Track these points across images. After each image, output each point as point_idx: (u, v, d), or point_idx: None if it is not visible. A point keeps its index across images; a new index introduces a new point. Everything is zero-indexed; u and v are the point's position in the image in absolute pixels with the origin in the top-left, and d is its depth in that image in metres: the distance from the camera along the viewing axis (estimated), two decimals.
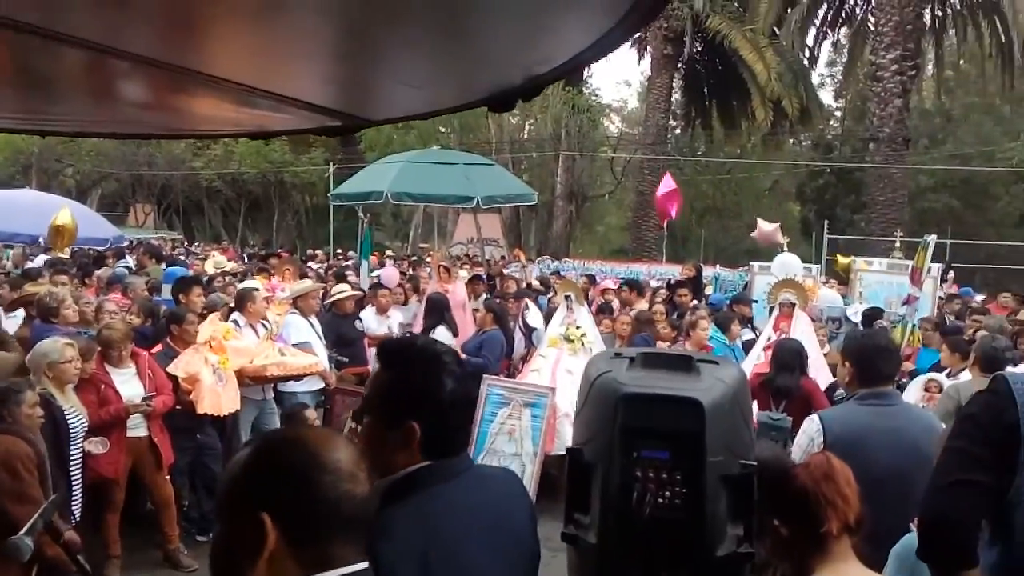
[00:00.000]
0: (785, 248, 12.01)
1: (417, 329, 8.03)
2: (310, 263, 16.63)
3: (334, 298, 7.97)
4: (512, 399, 6.83)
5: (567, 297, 7.71)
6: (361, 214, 13.72)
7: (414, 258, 19.38)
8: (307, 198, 33.68)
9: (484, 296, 9.51)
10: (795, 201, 34.21)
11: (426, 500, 1.64)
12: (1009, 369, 5.18)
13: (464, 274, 10.93)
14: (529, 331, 8.49)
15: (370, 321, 8.43)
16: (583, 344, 7.31)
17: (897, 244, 13.39)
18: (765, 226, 15.46)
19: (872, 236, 19.07)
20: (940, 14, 24.66)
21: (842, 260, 12.54)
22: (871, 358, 3.05)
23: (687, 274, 11.52)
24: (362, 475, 1.27)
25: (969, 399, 2.03)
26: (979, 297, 13.36)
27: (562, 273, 13.96)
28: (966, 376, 5.63)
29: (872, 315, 9.14)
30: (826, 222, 19.77)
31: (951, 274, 14.48)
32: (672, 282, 11.24)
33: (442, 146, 18.88)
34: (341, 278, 10.20)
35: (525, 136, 31.72)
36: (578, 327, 7.45)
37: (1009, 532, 1.71)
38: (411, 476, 1.66)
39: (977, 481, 1.74)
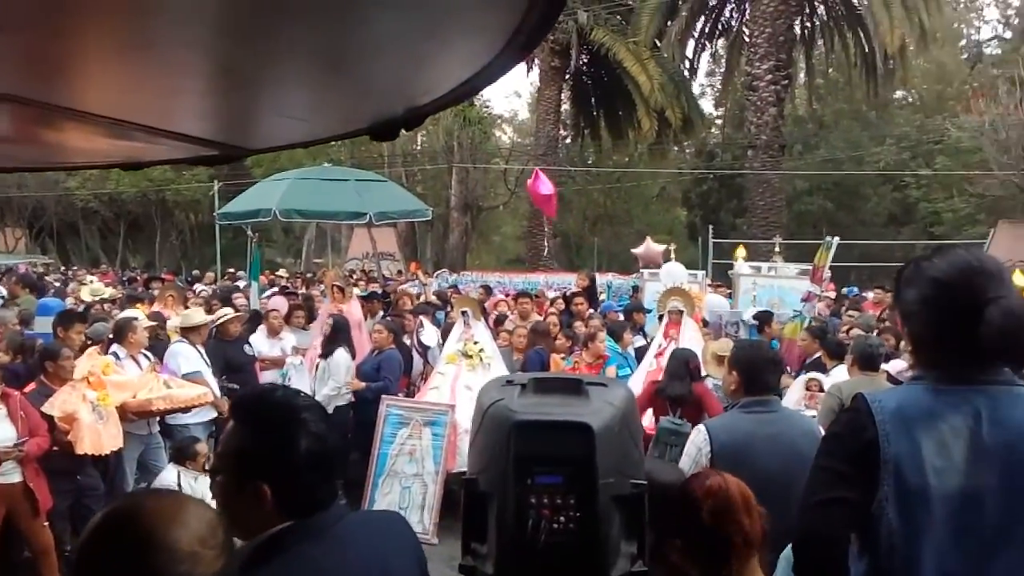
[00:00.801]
0: (672, 256, 12.35)
1: (314, 353, 7.88)
2: (197, 285, 15.99)
3: (217, 322, 7.70)
4: (412, 419, 6.79)
5: (464, 313, 7.72)
6: (249, 232, 13.32)
7: (308, 275, 18.96)
8: (191, 216, 32.53)
9: (381, 314, 9.40)
10: (682, 207, 35.39)
11: (286, 565, 1.55)
12: (883, 366, 5.54)
13: (358, 292, 10.78)
14: (424, 349, 8.45)
15: (261, 344, 8.18)
16: (481, 359, 7.34)
17: (777, 248, 14.03)
18: (653, 248, 14.71)
19: (755, 239, 19.87)
20: (809, 26, 25.98)
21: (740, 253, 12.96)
22: (759, 369, 3.17)
23: (581, 284, 11.72)
24: (208, 553, 1.21)
25: (835, 418, 2.14)
26: (868, 294, 14.08)
27: (460, 287, 13.93)
28: (841, 373, 5.98)
29: (762, 318, 9.33)
30: (711, 227, 20.46)
31: (828, 273, 15.20)
32: (568, 294, 11.43)
33: (332, 161, 18.63)
34: (226, 300, 9.85)
35: (418, 149, 31.61)
36: (476, 342, 7.48)
37: (875, 545, 1.81)
38: (271, 539, 1.57)
39: (843, 498, 1.82)
